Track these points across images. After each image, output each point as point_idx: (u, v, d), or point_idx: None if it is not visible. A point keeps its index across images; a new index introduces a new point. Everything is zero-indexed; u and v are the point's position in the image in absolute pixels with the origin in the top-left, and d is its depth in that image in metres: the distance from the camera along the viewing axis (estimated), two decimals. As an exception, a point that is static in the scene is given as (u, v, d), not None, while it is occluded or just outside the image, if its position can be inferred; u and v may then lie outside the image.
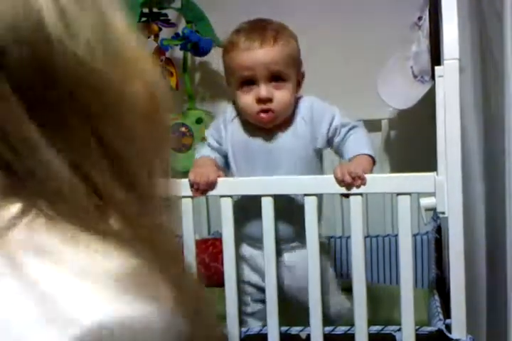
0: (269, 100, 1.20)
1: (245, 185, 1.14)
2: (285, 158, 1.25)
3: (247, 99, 1.22)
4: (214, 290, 1.74)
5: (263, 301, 1.15)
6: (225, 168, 1.33)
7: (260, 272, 1.23)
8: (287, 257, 1.29)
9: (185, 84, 2.10)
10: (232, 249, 1.15)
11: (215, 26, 2.00)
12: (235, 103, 1.30)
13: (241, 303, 1.27)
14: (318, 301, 1.11)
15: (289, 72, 1.22)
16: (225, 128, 1.31)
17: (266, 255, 1.14)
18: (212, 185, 1.14)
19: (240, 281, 1.32)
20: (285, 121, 1.27)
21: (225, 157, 1.33)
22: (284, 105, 1.22)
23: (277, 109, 1.21)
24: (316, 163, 1.30)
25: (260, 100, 1.20)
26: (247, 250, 1.33)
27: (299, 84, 1.28)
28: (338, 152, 1.28)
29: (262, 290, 1.16)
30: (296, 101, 1.28)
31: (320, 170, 1.33)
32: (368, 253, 1.96)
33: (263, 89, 1.20)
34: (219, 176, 1.15)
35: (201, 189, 1.14)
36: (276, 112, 1.22)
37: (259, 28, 1.23)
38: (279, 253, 1.23)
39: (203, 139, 1.39)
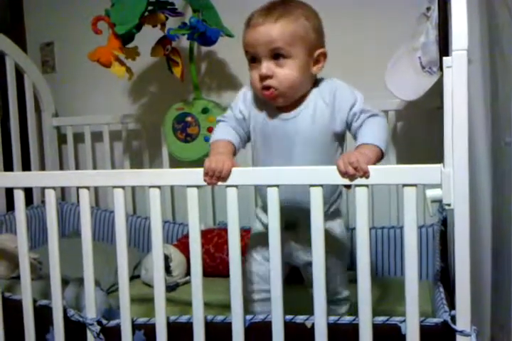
0: (269, 77, 1.21)
1: (251, 176, 1.14)
2: (301, 138, 1.25)
3: (253, 75, 1.25)
4: (219, 280, 1.76)
5: None
6: (243, 146, 1.35)
7: None
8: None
9: (191, 74, 2.09)
10: (238, 240, 1.15)
11: (222, 15, 2.00)
12: None
13: (245, 293, 1.27)
14: (322, 290, 1.11)
15: (292, 50, 1.20)
16: (247, 104, 1.33)
17: (271, 245, 1.14)
18: (227, 174, 1.14)
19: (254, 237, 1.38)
20: (303, 100, 1.27)
21: (248, 131, 1.34)
22: (287, 83, 1.22)
23: (279, 87, 1.22)
24: (334, 146, 1.29)
25: (261, 77, 1.22)
26: (261, 213, 1.38)
27: (316, 63, 1.26)
28: (354, 137, 1.26)
29: None
30: (316, 81, 1.29)
31: (339, 155, 1.31)
32: (373, 244, 1.97)
33: (263, 66, 1.21)
34: (234, 165, 1.15)
35: (216, 176, 1.14)
36: (279, 89, 1.22)
37: (274, 5, 1.22)
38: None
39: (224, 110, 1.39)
